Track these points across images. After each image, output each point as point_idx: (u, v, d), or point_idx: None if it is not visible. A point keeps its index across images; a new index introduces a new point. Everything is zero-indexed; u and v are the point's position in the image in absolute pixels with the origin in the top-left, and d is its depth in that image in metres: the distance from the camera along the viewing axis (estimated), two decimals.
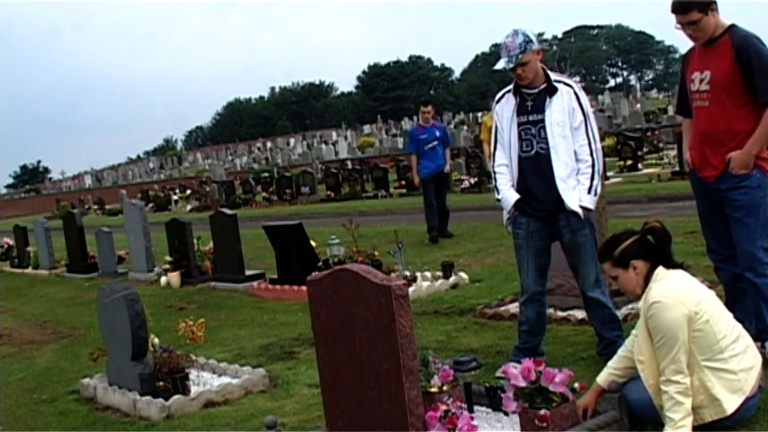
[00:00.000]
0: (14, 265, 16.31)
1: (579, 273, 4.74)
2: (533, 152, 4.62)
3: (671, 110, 33.31)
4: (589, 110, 4.66)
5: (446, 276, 8.20)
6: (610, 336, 4.74)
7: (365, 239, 10.06)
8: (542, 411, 3.45)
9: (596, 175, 4.59)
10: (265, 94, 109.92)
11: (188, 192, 34.72)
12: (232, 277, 9.96)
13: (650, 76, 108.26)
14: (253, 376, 5.52)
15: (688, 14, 4.21)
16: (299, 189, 25.80)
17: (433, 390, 3.74)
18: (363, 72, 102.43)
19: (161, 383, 5.39)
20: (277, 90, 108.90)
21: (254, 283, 9.56)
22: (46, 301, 11.60)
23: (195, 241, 11.13)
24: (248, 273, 9.95)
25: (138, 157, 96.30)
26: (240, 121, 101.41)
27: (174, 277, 10.76)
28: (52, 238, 14.96)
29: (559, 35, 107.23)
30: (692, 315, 3.41)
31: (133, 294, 5.47)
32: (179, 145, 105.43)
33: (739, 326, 3.64)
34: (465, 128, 45.44)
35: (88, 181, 64.62)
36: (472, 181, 20.11)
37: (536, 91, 4.63)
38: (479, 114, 58.28)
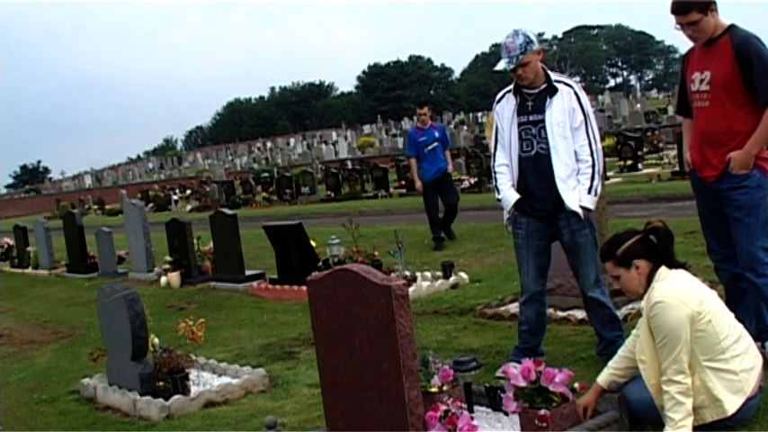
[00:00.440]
0: (14, 265, 16.32)
1: (579, 273, 4.74)
2: (533, 152, 4.62)
3: (671, 110, 33.32)
4: (589, 110, 4.66)
5: (446, 276, 8.20)
6: (610, 336, 4.74)
7: (365, 239, 10.07)
8: (542, 411, 3.45)
9: (596, 176, 4.59)
10: (265, 94, 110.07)
11: (188, 192, 34.72)
12: (232, 277, 9.96)
13: (650, 76, 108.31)
14: (253, 376, 5.52)
15: (688, 15, 4.21)
16: (299, 189, 25.80)
17: (433, 390, 3.74)
18: (363, 72, 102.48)
19: (161, 383, 5.39)
20: (277, 90, 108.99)
21: (254, 283, 9.56)
22: (46, 301, 11.60)
23: (195, 241, 11.13)
24: (248, 273, 9.95)
25: (138, 157, 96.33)
26: (240, 121, 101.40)
27: (174, 277, 10.77)
28: (52, 238, 14.96)
29: (559, 35, 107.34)
30: (694, 315, 3.41)
31: (133, 294, 5.47)
32: (179, 145, 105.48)
33: (741, 326, 3.64)
34: (465, 128, 45.48)
35: (88, 181, 64.61)
36: (472, 181, 20.11)
37: (536, 91, 4.63)
38: (479, 114, 58.41)
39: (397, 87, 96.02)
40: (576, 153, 4.58)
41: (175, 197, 33.50)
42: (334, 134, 61.28)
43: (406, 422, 3.30)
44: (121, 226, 13.15)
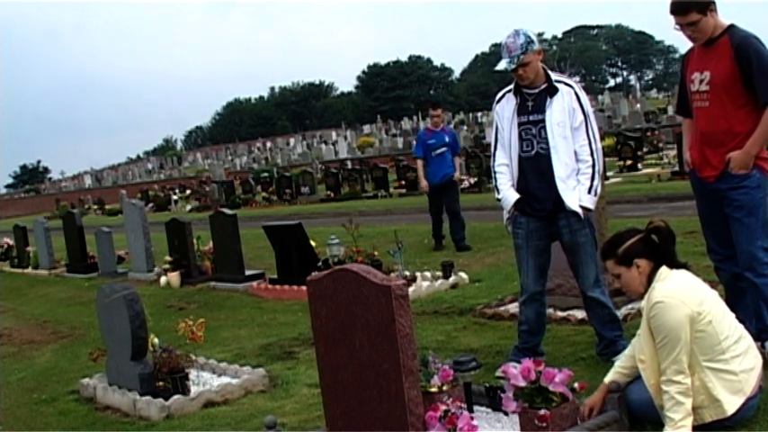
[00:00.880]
0: (14, 265, 16.31)
1: (579, 273, 4.74)
2: (534, 152, 4.63)
3: (671, 110, 33.32)
4: (589, 110, 4.67)
5: (446, 276, 8.20)
6: (610, 336, 4.75)
7: (365, 239, 10.06)
8: (542, 411, 3.45)
9: (596, 176, 4.60)
10: (265, 94, 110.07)
11: (188, 192, 34.74)
12: (232, 277, 9.96)
13: (650, 76, 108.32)
14: (252, 376, 5.52)
15: (687, 15, 4.21)
16: (299, 189, 25.81)
17: (433, 390, 3.74)
18: (363, 72, 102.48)
19: (161, 383, 5.39)
20: (277, 90, 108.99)
21: (254, 283, 9.56)
22: (46, 301, 11.60)
23: (195, 241, 11.13)
24: (248, 273, 9.95)
25: (138, 157, 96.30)
26: (240, 121, 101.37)
27: (174, 277, 10.77)
28: (52, 238, 14.96)
29: (559, 35, 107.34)
30: (694, 315, 3.41)
31: (133, 294, 5.47)
32: (179, 145, 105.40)
33: (741, 326, 3.64)
34: (465, 128, 45.46)
35: (88, 181, 64.59)
36: (472, 181, 20.11)
37: (537, 91, 4.63)
38: (479, 114, 58.39)
39: (397, 87, 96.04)
40: (575, 153, 4.59)
41: (175, 197, 33.51)
42: (333, 134, 61.28)
43: (405, 422, 3.30)
44: (121, 226, 13.15)
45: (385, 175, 24.11)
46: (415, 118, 62.62)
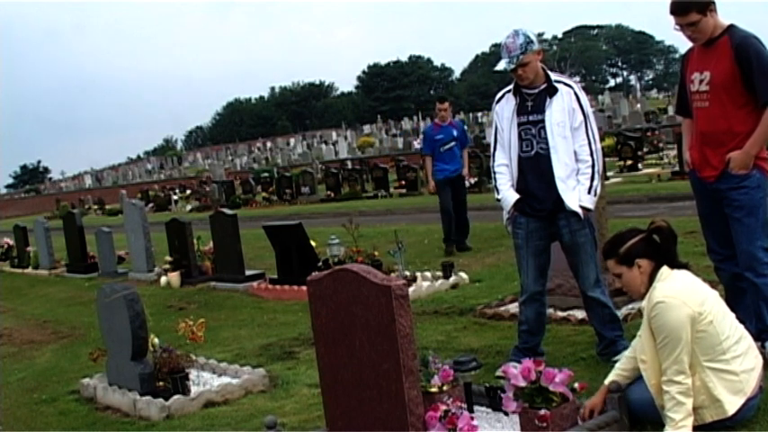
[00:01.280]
0: (14, 265, 16.31)
1: (579, 273, 4.74)
2: (533, 152, 4.63)
3: (671, 110, 33.32)
4: (589, 110, 4.67)
5: (446, 276, 8.20)
6: (610, 336, 4.75)
7: (365, 239, 10.06)
8: (542, 411, 3.45)
9: (596, 176, 4.60)
10: (265, 94, 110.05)
11: (188, 192, 34.73)
12: (232, 277, 9.96)
13: (650, 76, 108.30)
14: (253, 376, 5.52)
15: (687, 16, 4.21)
16: (299, 189, 25.81)
17: (433, 390, 3.74)
18: (363, 72, 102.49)
19: (161, 383, 5.39)
20: (277, 90, 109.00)
21: (254, 283, 9.56)
22: (46, 301, 11.60)
23: (195, 241, 11.13)
24: (248, 273, 9.95)
25: (138, 157, 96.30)
26: (240, 121, 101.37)
27: (174, 277, 10.77)
28: (52, 238, 14.96)
29: (559, 35, 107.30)
30: (695, 316, 3.41)
31: (133, 294, 5.47)
32: (179, 145, 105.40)
33: (741, 327, 3.64)
34: (465, 128, 45.40)
35: (88, 181, 64.60)
36: (472, 181, 20.06)
37: (536, 91, 4.64)
38: (479, 114, 58.36)
39: (397, 87, 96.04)
40: (575, 153, 4.59)
41: (175, 197, 33.51)
42: (334, 134, 61.29)
43: (406, 422, 3.30)
44: (121, 226, 13.15)
45: (385, 176, 24.12)
46: (415, 118, 62.65)
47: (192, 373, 5.69)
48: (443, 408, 3.46)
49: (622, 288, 3.87)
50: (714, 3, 4.22)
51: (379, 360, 3.35)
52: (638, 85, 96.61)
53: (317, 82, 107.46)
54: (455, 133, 10.25)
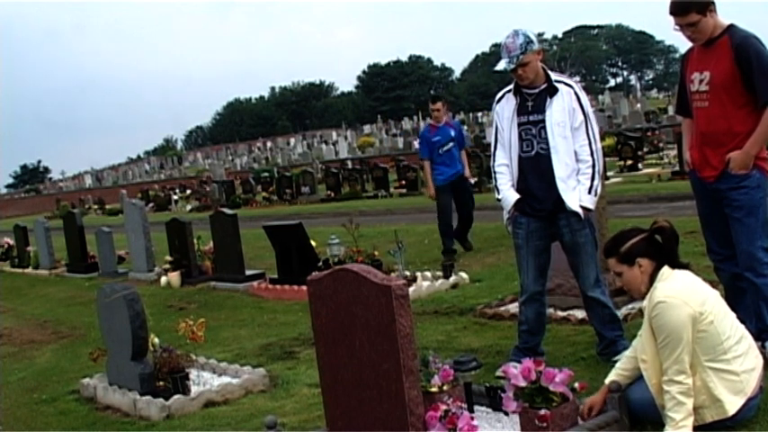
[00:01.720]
0: (14, 264, 16.31)
1: (579, 273, 4.74)
2: (534, 152, 4.63)
3: (671, 110, 33.32)
4: (589, 110, 4.67)
5: (446, 276, 8.20)
6: (610, 335, 4.75)
7: (365, 239, 10.06)
8: (542, 411, 3.45)
9: (596, 176, 4.60)
10: (265, 93, 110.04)
11: (188, 192, 34.73)
12: (232, 277, 9.96)
13: (650, 76, 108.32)
14: (253, 376, 5.52)
15: (687, 16, 4.21)
16: (299, 189, 25.82)
17: (434, 390, 3.74)
18: (363, 72, 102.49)
19: (161, 383, 5.39)
20: (277, 90, 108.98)
21: (255, 283, 9.56)
22: (46, 301, 11.60)
23: (195, 241, 11.13)
24: (248, 273, 9.95)
25: (139, 156, 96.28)
26: (240, 121, 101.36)
27: (174, 277, 10.77)
28: (52, 238, 14.95)
29: (559, 35, 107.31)
30: (696, 315, 3.41)
31: (133, 294, 5.47)
32: (179, 145, 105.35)
33: (742, 327, 3.64)
34: (465, 128, 45.41)
35: (88, 181, 64.58)
36: (472, 181, 20.06)
37: (536, 91, 4.63)
38: (479, 114, 58.38)
39: (397, 87, 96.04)
40: (576, 153, 4.59)
41: (175, 197, 33.51)
42: (334, 134, 61.28)
43: (406, 422, 3.30)
44: (121, 226, 13.15)
45: (385, 175, 24.12)
46: (415, 118, 62.63)
47: (193, 373, 5.69)
48: (443, 408, 3.46)
49: (623, 287, 3.87)
50: (714, 3, 4.22)
51: (380, 360, 3.35)
52: (638, 85, 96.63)
53: (317, 82, 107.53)
54: (452, 134, 9.78)
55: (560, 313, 5.97)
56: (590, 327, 5.03)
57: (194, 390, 5.44)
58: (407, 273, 8.34)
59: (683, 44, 4.58)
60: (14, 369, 7.37)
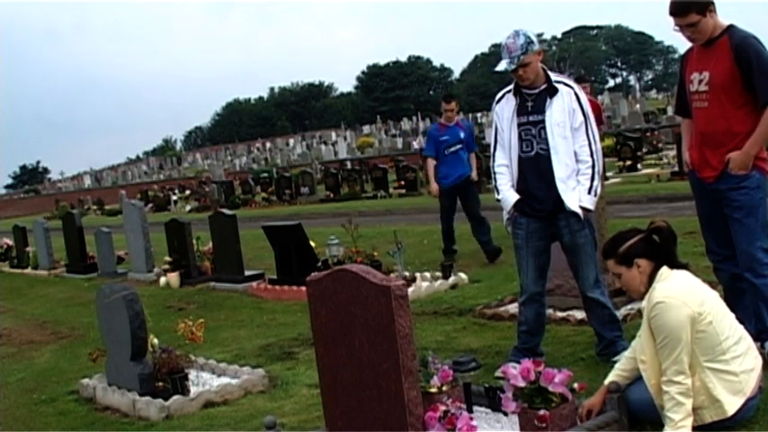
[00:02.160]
0: (14, 265, 16.30)
1: (579, 273, 4.74)
2: (533, 153, 4.63)
3: (670, 110, 33.34)
4: (589, 111, 4.67)
5: (445, 277, 8.20)
6: (609, 336, 4.75)
7: (364, 240, 10.05)
8: (542, 412, 3.45)
9: (596, 176, 4.60)
10: (265, 94, 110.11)
11: (187, 192, 34.75)
12: (231, 277, 9.96)
13: (650, 77, 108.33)
14: (252, 376, 5.52)
15: (686, 17, 4.21)
16: (299, 189, 25.82)
17: (433, 390, 3.74)
18: (363, 72, 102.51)
19: (160, 384, 5.38)
20: (276, 90, 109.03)
21: (254, 284, 9.56)
22: (45, 301, 11.60)
23: (195, 241, 11.13)
24: (248, 273, 9.95)
25: (138, 157, 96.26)
26: (239, 122, 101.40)
27: (174, 277, 10.76)
28: (51, 239, 14.95)
29: (559, 35, 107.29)
30: (695, 316, 3.41)
31: (132, 294, 5.47)
32: (178, 145, 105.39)
33: (741, 327, 3.64)
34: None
35: (87, 181, 64.54)
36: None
37: (536, 91, 4.64)
38: (479, 115, 58.37)
39: (397, 88, 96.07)
40: (575, 153, 4.59)
41: (175, 197, 33.49)
42: (333, 134, 61.31)
43: (405, 422, 3.30)
44: (121, 226, 13.14)
45: (384, 176, 24.11)
46: (414, 118, 62.66)
47: (192, 374, 5.69)
48: (443, 408, 3.46)
49: (622, 288, 3.87)
50: (713, 3, 4.22)
51: (379, 360, 3.35)
52: (637, 86, 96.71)
53: (317, 82, 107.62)
54: (462, 135, 9.37)
55: (560, 314, 5.97)
56: (589, 327, 5.03)
57: (193, 390, 5.44)
58: (407, 273, 8.33)
59: (682, 45, 4.58)
60: (14, 369, 7.37)
